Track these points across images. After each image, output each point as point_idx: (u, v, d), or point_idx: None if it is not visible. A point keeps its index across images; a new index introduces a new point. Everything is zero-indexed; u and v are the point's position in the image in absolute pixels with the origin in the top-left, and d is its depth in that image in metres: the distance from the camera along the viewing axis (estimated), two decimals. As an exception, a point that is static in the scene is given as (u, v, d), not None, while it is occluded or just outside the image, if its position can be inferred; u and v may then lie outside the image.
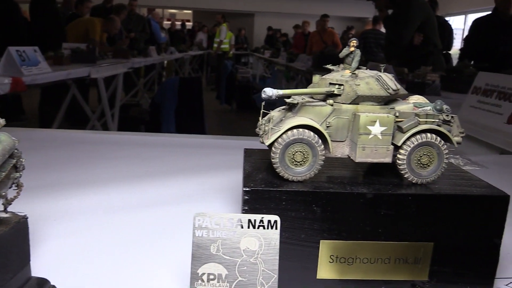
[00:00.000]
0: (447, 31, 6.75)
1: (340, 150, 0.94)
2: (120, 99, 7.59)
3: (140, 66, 9.06)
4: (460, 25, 15.00)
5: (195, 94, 7.73)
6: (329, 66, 1.02)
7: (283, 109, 0.98)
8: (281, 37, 17.16)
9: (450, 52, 7.02)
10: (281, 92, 0.86)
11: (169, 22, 17.77)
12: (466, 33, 7.06)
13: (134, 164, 1.78)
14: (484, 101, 3.10)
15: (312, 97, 0.97)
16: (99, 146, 2.05)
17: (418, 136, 0.90)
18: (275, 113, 0.98)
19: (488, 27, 5.33)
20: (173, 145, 2.13)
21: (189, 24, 19.62)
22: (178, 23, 17.44)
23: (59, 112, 5.70)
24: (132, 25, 10.25)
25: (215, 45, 15.12)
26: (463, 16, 15.38)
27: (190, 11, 21.93)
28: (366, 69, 1.00)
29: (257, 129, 0.96)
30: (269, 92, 0.83)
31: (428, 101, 0.99)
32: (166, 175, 1.61)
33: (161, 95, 7.87)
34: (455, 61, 6.66)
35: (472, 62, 4.97)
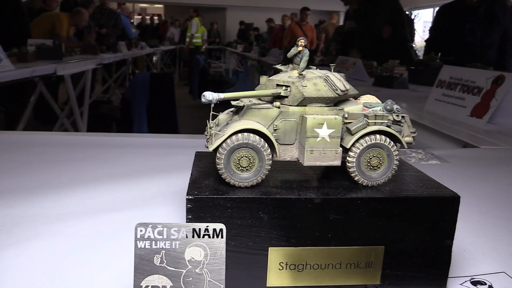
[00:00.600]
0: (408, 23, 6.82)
1: (289, 153, 0.91)
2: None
3: (110, 62, 8.87)
4: (429, 18, 15.20)
5: (167, 90, 7.65)
6: (278, 66, 0.99)
7: (230, 111, 0.94)
8: (253, 32, 17.11)
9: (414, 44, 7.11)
10: (222, 95, 0.82)
11: (140, 17, 17.50)
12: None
13: (91, 166, 1.71)
14: (449, 94, 3.14)
15: (260, 99, 0.93)
16: (57, 149, 1.97)
17: (367, 138, 0.88)
18: (222, 116, 0.95)
19: (453, 14, 5.21)
20: (139, 145, 2.07)
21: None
22: (148, 17, 17.19)
23: (25, 111, 5.53)
24: (104, 20, 10.04)
25: (187, 39, 15.00)
26: (431, 9, 15.61)
27: (161, 5, 21.63)
28: (316, 68, 0.97)
29: (205, 133, 0.92)
30: (208, 96, 0.80)
31: (379, 101, 0.97)
32: (121, 178, 1.55)
33: (132, 91, 7.76)
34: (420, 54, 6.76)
35: (438, 54, 4.98)
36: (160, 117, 7.03)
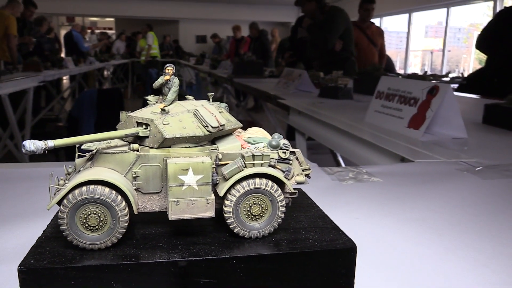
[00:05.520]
0: None
1: (156, 203, 0.76)
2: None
3: (54, 78, 8.50)
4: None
5: (116, 106, 7.44)
6: (148, 97, 0.84)
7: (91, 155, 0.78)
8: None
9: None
10: (51, 143, 0.65)
11: (89, 31, 17.06)
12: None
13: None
14: (387, 106, 3.08)
15: (123, 140, 0.78)
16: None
17: (244, 183, 0.73)
18: (78, 161, 0.79)
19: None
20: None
21: (111, 32, 18.90)
22: (98, 31, 16.77)
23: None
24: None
25: (144, 52, 14.77)
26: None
27: (112, 19, 21.13)
28: (194, 99, 0.83)
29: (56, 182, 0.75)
30: (29, 146, 0.63)
31: (267, 135, 0.84)
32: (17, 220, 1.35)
33: (78, 108, 7.49)
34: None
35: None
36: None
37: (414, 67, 17.83)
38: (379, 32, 7.40)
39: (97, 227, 0.70)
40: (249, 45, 11.41)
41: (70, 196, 0.68)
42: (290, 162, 0.79)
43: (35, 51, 8.64)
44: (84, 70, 10.70)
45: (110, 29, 20.04)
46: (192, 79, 13.22)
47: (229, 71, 7.86)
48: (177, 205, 0.72)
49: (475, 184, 1.86)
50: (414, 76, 6.10)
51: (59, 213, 0.69)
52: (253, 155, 0.73)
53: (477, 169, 2.06)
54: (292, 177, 0.79)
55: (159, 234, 0.77)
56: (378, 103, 3.20)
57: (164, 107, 0.75)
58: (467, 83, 5.80)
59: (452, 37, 16.64)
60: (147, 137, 0.74)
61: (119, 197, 0.70)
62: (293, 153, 0.80)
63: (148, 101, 0.81)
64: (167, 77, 0.79)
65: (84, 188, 0.68)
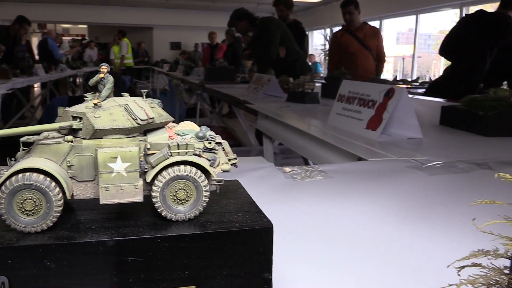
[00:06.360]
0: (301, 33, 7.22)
1: (91, 190, 0.83)
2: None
3: (23, 86, 8.42)
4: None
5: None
6: (86, 95, 0.91)
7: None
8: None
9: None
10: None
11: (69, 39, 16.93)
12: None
13: None
14: (348, 108, 3.20)
15: (59, 132, 0.85)
16: None
17: (170, 170, 0.81)
18: (20, 153, 0.85)
19: None
20: None
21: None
22: (67, 38, 16.62)
23: None
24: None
25: (117, 60, 14.70)
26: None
27: (85, 26, 20.99)
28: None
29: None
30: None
31: (197, 128, 0.92)
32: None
33: (49, 116, 7.42)
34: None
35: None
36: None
37: (387, 73, 18.20)
38: (374, 33, 6.80)
39: (33, 211, 0.77)
40: (224, 52, 11.52)
41: (7, 183, 0.75)
42: (216, 152, 0.87)
43: (4, 58, 8.55)
44: (55, 78, 10.61)
45: (83, 36, 19.90)
46: (166, 86, 13.24)
47: (202, 77, 7.93)
48: (107, 190, 0.79)
49: (421, 180, 1.97)
50: (384, 82, 6.21)
51: (-3, 199, 0.75)
52: (178, 145, 0.81)
53: (424, 166, 2.18)
54: (217, 165, 0.87)
55: (93, 219, 0.84)
56: (339, 106, 3.32)
57: (97, 102, 0.82)
58: (433, 88, 5.98)
59: (423, 44, 17.06)
60: (81, 129, 0.81)
61: (53, 183, 0.77)
62: (219, 143, 0.88)
63: (85, 98, 0.89)
64: (102, 75, 0.86)
65: (20, 175, 0.75)
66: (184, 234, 0.79)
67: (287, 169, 2.13)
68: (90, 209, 0.88)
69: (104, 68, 0.87)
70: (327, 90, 5.07)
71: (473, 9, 12.12)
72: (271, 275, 0.85)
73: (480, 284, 0.69)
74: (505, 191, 1.66)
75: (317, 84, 5.42)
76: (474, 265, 0.72)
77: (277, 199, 1.64)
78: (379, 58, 6.79)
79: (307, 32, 7.92)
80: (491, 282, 0.69)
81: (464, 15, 11.89)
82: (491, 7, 10.18)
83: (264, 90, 5.25)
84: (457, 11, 12.90)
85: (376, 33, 6.74)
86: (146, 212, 0.87)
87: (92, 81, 0.88)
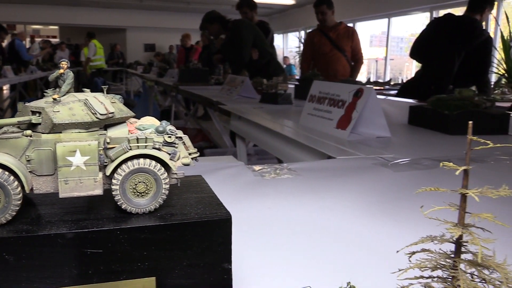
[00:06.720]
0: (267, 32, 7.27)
1: (51, 184, 0.83)
2: None
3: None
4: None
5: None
6: (46, 91, 0.91)
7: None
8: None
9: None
10: None
11: (39, 40, 16.59)
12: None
13: None
14: (318, 108, 3.25)
15: (19, 127, 0.85)
16: None
17: (129, 163, 0.83)
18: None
19: None
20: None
21: (54, 41, 18.41)
22: (38, 39, 16.32)
23: None
24: None
25: (87, 63, 14.53)
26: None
27: (56, 27, 20.61)
28: (92, 91, 0.91)
29: None
30: None
31: (157, 122, 0.93)
32: None
33: (19, 118, 7.24)
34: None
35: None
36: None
37: (361, 75, 18.45)
38: (348, 33, 6.57)
39: (-9, 205, 0.77)
40: (200, 54, 11.49)
41: (-37, 177, 0.75)
42: (176, 146, 0.88)
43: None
44: (25, 79, 10.41)
45: (54, 37, 19.55)
46: (140, 88, 13.14)
47: (176, 79, 7.90)
48: (66, 184, 0.80)
49: (386, 176, 2.02)
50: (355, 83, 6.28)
51: (-46, 193, 0.76)
52: (138, 138, 0.83)
53: (390, 163, 2.24)
54: (178, 159, 0.88)
55: (53, 213, 0.84)
56: (310, 106, 3.37)
57: (56, 97, 0.83)
58: (405, 89, 6.09)
59: (395, 46, 17.36)
60: (40, 123, 0.81)
61: (12, 177, 0.77)
62: (179, 138, 0.90)
63: (45, 93, 0.89)
64: (61, 70, 0.87)
65: (-25, 170, 0.75)
66: (143, 226, 0.80)
67: (257, 167, 2.16)
68: (50, 204, 0.88)
69: (64, 63, 0.88)
70: (300, 91, 5.13)
71: (442, 12, 12.41)
72: (231, 265, 0.87)
73: (427, 268, 0.72)
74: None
75: (290, 86, 5.48)
76: (423, 250, 0.75)
77: (244, 197, 1.66)
78: (356, 59, 6.68)
79: (280, 35, 8.01)
80: (438, 266, 0.73)
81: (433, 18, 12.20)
82: (459, 11, 10.44)
83: (237, 92, 5.28)
84: (427, 14, 13.20)
85: (351, 33, 6.58)
86: (107, 205, 0.88)
87: (52, 76, 0.88)
